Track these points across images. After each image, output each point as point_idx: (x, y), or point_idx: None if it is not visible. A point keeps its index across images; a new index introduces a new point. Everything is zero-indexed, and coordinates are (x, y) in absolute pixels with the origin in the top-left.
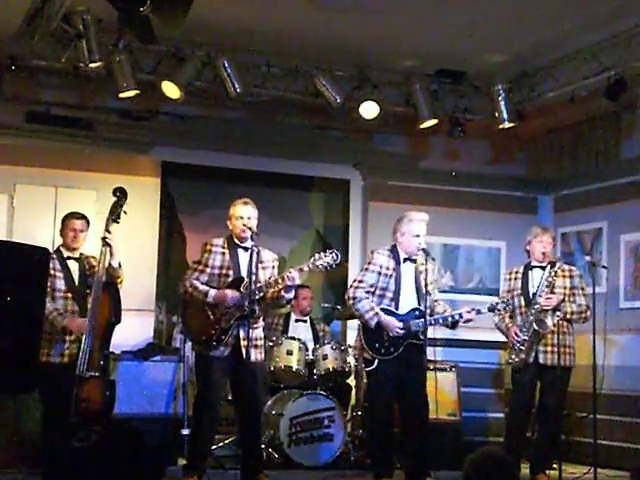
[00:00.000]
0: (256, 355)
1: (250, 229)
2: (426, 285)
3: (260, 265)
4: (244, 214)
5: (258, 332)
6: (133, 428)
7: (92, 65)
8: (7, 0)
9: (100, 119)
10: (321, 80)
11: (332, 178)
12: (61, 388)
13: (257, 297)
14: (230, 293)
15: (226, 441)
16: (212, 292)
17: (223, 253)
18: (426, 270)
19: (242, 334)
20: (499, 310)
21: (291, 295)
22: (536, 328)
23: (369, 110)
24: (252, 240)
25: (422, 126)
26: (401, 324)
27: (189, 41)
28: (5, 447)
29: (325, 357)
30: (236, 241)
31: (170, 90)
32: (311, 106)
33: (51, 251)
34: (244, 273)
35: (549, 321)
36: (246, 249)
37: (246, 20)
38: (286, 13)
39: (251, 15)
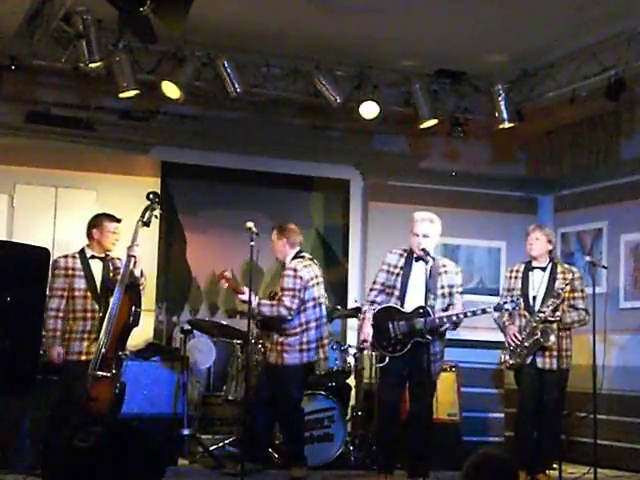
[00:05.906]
0: (274, 358)
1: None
2: (427, 288)
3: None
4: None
5: (275, 336)
6: (134, 428)
7: (92, 65)
8: (7, 0)
9: (100, 119)
10: (321, 80)
11: (332, 178)
12: (77, 386)
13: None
14: None
15: (226, 441)
16: None
17: None
18: (446, 272)
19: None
20: (507, 310)
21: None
22: (541, 340)
23: (369, 110)
24: (251, 241)
25: (422, 126)
26: (368, 337)
27: (189, 41)
28: (6, 447)
29: (325, 357)
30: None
31: (170, 90)
32: (311, 106)
33: (51, 251)
34: None
35: (552, 337)
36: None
37: (246, 20)
38: (286, 13)
39: (251, 15)
